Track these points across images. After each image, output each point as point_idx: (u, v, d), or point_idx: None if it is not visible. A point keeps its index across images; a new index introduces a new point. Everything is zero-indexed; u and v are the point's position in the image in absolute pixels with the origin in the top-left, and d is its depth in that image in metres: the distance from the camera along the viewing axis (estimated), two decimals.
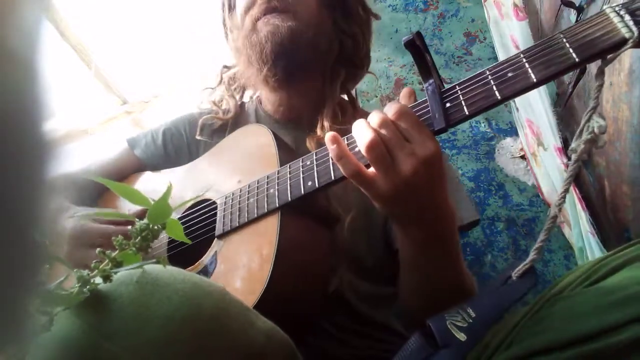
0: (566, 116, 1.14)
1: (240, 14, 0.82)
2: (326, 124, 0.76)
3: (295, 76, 0.80)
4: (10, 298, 0.17)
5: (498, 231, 1.16)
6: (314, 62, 0.81)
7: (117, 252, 0.38)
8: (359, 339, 0.70)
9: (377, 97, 1.38)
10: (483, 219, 1.18)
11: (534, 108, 1.12)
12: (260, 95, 0.93)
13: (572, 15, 0.99)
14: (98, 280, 0.35)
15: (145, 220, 0.40)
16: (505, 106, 1.30)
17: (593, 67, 0.56)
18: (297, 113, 0.86)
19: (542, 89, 1.07)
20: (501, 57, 1.27)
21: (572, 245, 1.05)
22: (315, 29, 0.78)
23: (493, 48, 1.34)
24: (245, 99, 0.97)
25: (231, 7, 0.88)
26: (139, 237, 0.39)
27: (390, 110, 0.52)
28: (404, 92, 0.56)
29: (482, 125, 1.29)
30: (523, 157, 1.23)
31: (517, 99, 1.20)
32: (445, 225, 0.57)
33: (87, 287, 0.34)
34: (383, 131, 0.51)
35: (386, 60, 1.42)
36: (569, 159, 0.45)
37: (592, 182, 1.01)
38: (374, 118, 0.52)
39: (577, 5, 0.96)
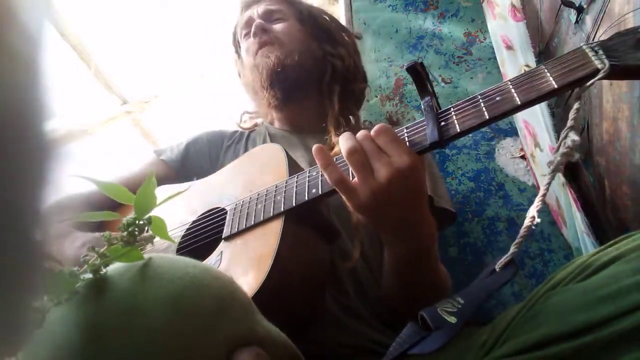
0: (565, 116, 1.14)
1: (244, 56, 1.04)
2: (334, 136, 0.90)
3: (293, 94, 0.98)
4: (10, 297, 0.17)
5: (498, 231, 1.16)
6: (306, 81, 0.98)
7: (105, 247, 0.39)
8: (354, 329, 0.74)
9: (377, 97, 1.38)
10: (483, 219, 1.18)
11: (530, 109, 1.12)
12: (271, 118, 1.09)
13: (572, 15, 0.99)
14: (88, 275, 0.36)
15: (133, 215, 0.40)
16: None
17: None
18: (302, 124, 1.02)
19: None
20: (498, 57, 1.27)
21: (571, 245, 1.05)
22: (299, 54, 0.97)
23: (493, 48, 1.34)
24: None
25: (239, 55, 1.10)
26: (126, 232, 0.40)
27: (373, 129, 0.59)
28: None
29: None
30: (523, 157, 1.23)
31: None
32: (425, 241, 0.64)
33: (78, 283, 0.35)
34: (364, 143, 0.58)
35: (386, 60, 1.41)
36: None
37: (592, 182, 1.01)
38: (359, 134, 0.59)
39: (577, 5, 0.97)
